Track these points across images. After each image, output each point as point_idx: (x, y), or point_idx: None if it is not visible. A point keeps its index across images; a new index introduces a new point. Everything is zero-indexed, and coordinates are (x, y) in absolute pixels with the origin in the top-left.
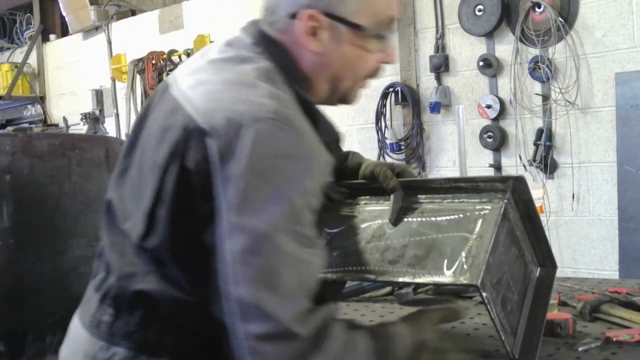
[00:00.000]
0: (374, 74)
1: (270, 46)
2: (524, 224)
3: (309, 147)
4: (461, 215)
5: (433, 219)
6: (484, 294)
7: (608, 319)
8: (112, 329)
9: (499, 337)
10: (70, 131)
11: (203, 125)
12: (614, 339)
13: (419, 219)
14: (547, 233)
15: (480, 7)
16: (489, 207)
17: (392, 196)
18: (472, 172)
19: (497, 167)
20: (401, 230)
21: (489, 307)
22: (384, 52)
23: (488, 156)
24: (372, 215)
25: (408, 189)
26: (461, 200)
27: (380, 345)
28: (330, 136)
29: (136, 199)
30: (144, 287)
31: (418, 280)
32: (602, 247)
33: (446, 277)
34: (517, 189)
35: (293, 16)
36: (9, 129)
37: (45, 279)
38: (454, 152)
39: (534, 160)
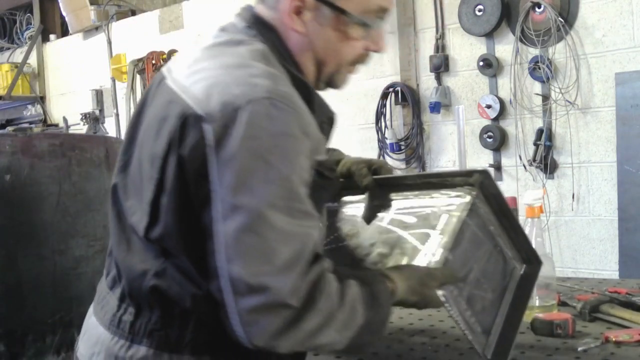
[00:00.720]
0: (360, 60)
1: (263, 28)
2: (499, 219)
3: (304, 124)
4: (428, 212)
5: (402, 216)
6: (440, 292)
7: (608, 319)
8: (133, 327)
9: (465, 336)
10: (70, 131)
11: (199, 112)
12: (614, 339)
13: (390, 217)
14: (547, 233)
15: (480, 7)
16: (456, 203)
17: (366, 194)
18: None
19: (497, 167)
20: (372, 228)
21: (447, 305)
22: (371, 40)
23: (488, 156)
24: (349, 213)
25: (384, 186)
26: (432, 196)
27: (370, 294)
28: (324, 115)
29: (138, 192)
30: (159, 284)
31: None
32: (602, 247)
33: None
34: (484, 183)
35: None
36: (9, 129)
37: (45, 279)
38: (454, 152)
39: (534, 160)
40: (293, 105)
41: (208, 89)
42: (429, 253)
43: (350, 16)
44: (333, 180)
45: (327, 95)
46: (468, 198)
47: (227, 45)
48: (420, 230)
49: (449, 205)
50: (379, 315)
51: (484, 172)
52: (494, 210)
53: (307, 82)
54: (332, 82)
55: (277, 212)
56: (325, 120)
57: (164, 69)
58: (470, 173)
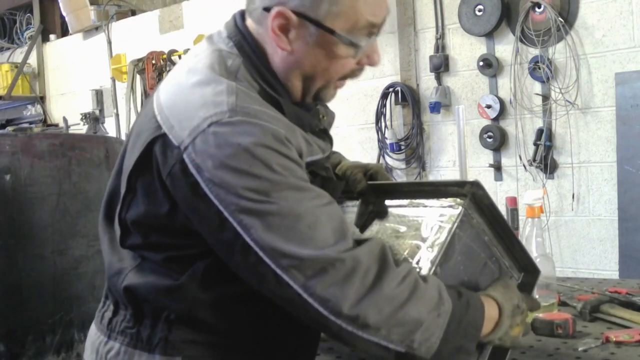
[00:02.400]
0: (352, 75)
1: (242, 40)
2: (495, 229)
3: (274, 132)
4: (420, 221)
5: (394, 225)
6: None
7: (608, 319)
8: (111, 324)
9: None
10: (70, 131)
11: (173, 140)
12: (614, 339)
13: (383, 224)
14: (547, 233)
15: (480, 7)
16: (448, 214)
17: (360, 200)
18: (472, 172)
19: (497, 167)
20: (365, 236)
21: None
22: (364, 54)
23: (488, 156)
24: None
25: (379, 192)
26: (425, 205)
27: (454, 289)
28: (307, 127)
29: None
30: (131, 283)
31: None
32: (602, 247)
33: None
34: (476, 194)
35: (267, 9)
36: (9, 129)
37: (45, 279)
38: (454, 152)
39: (534, 160)
40: (257, 117)
41: (177, 112)
42: (417, 266)
43: (338, 36)
44: (331, 179)
45: None
46: (459, 209)
47: (204, 57)
48: (411, 242)
49: (441, 216)
50: (469, 313)
51: (475, 183)
52: (488, 220)
53: (277, 97)
54: (320, 97)
55: (289, 200)
56: (315, 131)
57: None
58: (462, 184)
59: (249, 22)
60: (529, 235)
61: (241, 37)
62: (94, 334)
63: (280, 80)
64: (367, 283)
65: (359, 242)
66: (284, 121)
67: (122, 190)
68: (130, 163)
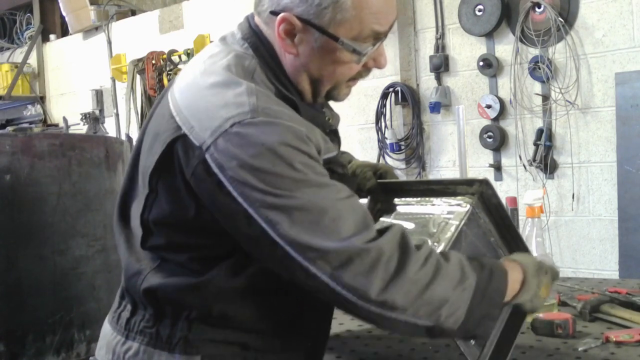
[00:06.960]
0: (359, 76)
1: (257, 42)
2: (501, 230)
3: (295, 131)
4: (427, 219)
5: (402, 222)
6: None
7: (608, 319)
8: (129, 324)
9: (458, 347)
10: (70, 131)
11: (194, 141)
12: (614, 339)
13: (391, 221)
14: (547, 233)
15: (480, 7)
16: (455, 211)
17: (368, 198)
18: (472, 172)
19: (497, 167)
20: None
21: None
22: (370, 58)
23: (488, 156)
24: None
25: (388, 190)
26: (433, 203)
27: (476, 261)
28: (320, 127)
29: (139, 201)
30: (150, 284)
31: None
32: (602, 247)
33: None
34: (484, 193)
35: (274, 13)
36: (9, 129)
37: (45, 279)
38: (454, 152)
39: (534, 160)
40: (278, 117)
41: (196, 112)
42: None
43: (342, 43)
44: (347, 176)
45: None
46: (467, 207)
47: (220, 58)
48: (418, 237)
49: (449, 214)
50: (493, 282)
51: (484, 182)
52: (495, 221)
53: (293, 99)
54: (332, 96)
55: (312, 196)
56: (327, 132)
57: (174, 79)
58: (471, 182)
59: (258, 21)
60: (529, 235)
61: (256, 39)
62: (109, 334)
63: (292, 82)
64: (391, 270)
65: (380, 232)
66: (303, 120)
67: (143, 191)
68: (150, 164)
